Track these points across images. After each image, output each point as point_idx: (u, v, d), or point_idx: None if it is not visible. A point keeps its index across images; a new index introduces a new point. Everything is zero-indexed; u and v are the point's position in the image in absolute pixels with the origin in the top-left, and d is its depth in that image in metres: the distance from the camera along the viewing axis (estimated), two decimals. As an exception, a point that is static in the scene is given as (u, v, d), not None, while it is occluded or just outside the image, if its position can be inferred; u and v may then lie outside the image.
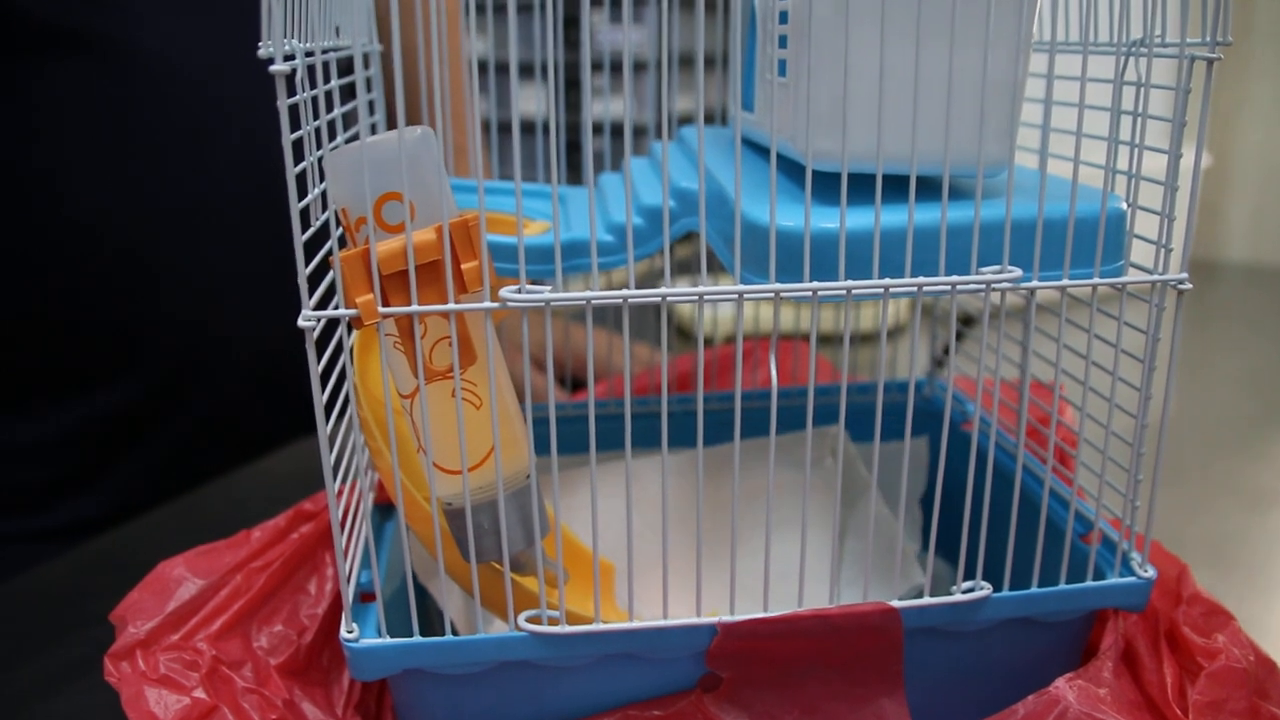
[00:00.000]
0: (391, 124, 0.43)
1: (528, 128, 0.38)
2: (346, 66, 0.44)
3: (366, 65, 0.55)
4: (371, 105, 0.56)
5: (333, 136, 0.41)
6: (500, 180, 0.59)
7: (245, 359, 0.85)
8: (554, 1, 0.34)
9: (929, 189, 0.40)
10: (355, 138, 0.54)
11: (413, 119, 0.36)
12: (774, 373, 0.37)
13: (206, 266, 0.82)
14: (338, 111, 0.40)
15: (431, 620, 0.52)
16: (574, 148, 0.58)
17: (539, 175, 0.65)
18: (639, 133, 0.64)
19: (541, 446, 0.53)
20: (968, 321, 0.77)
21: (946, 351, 0.70)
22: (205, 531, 0.52)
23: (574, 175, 0.63)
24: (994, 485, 0.43)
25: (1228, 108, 1.73)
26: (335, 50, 0.43)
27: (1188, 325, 1.30)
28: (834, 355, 0.98)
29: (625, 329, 0.36)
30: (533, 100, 0.43)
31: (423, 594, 0.52)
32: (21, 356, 0.80)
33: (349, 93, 0.46)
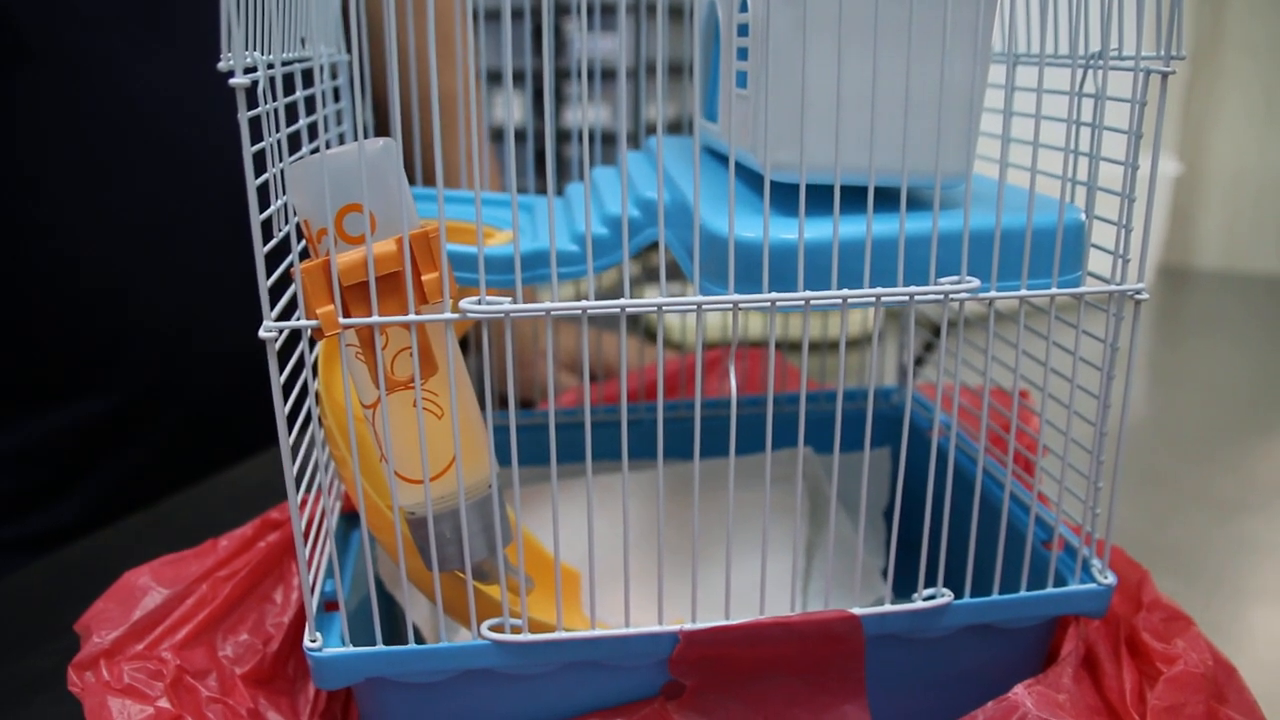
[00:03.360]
0: (382, 131, 0.43)
1: (515, 135, 0.38)
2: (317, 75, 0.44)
3: (334, 75, 0.55)
4: (340, 115, 0.56)
5: (298, 148, 0.41)
6: (472, 190, 0.59)
7: (215, 368, 0.85)
8: (535, 9, 0.35)
9: (891, 199, 0.40)
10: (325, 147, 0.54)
11: (386, 130, 0.36)
12: (733, 387, 0.37)
13: (176, 277, 0.82)
14: (303, 123, 0.40)
15: (399, 628, 0.52)
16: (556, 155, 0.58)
17: (530, 184, 0.65)
18: (608, 140, 0.64)
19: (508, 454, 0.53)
20: (938, 331, 0.77)
21: (918, 361, 0.70)
22: (175, 540, 0.52)
23: (558, 180, 0.63)
24: (957, 493, 0.43)
25: (1200, 116, 1.75)
26: (301, 61, 0.43)
27: (1160, 332, 1.32)
28: (808, 361, 0.98)
29: (583, 341, 0.36)
30: (513, 108, 0.43)
31: (390, 601, 0.52)
32: None
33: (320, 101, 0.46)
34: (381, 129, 0.95)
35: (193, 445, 0.85)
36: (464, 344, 0.98)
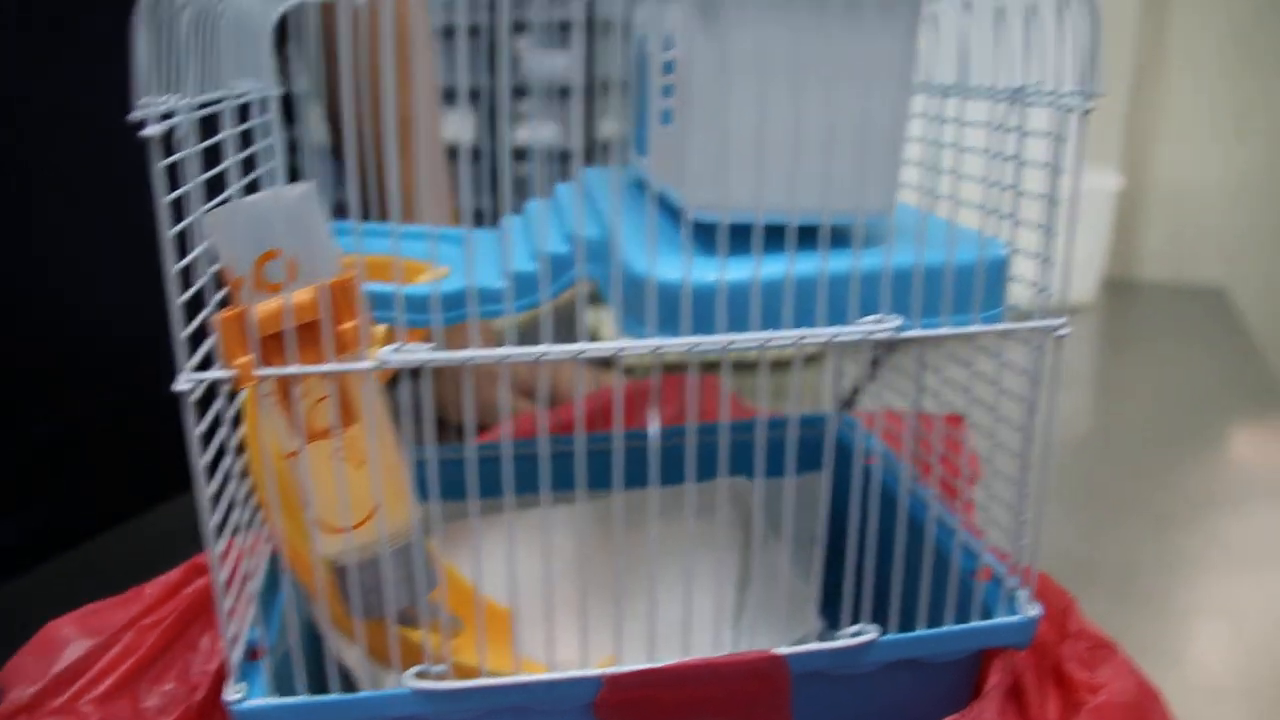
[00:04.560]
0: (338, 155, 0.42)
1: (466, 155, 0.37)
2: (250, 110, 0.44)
3: (264, 110, 0.54)
4: (273, 150, 0.55)
5: (223, 189, 0.40)
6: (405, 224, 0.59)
7: (147, 405, 0.84)
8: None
9: (817, 240, 0.40)
10: (255, 185, 0.53)
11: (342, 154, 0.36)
12: (655, 431, 0.37)
13: (105, 316, 0.80)
14: (228, 162, 0.40)
15: (341, 672, 0.51)
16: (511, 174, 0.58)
17: (485, 206, 0.65)
18: (563, 159, 0.64)
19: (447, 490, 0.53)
20: (890, 348, 0.78)
21: (856, 392, 0.71)
22: (107, 581, 0.51)
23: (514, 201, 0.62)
24: (888, 522, 0.44)
25: (1142, 131, 1.77)
26: (229, 99, 0.43)
27: (1104, 344, 1.33)
28: (741, 384, 0.98)
29: (503, 388, 0.36)
30: (460, 128, 0.42)
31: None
32: None
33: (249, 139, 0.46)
34: (339, 153, 0.95)
35: (119, 487, 0.84)
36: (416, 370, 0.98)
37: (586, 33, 0.38)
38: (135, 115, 0.34)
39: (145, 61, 0.33)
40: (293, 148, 0.59)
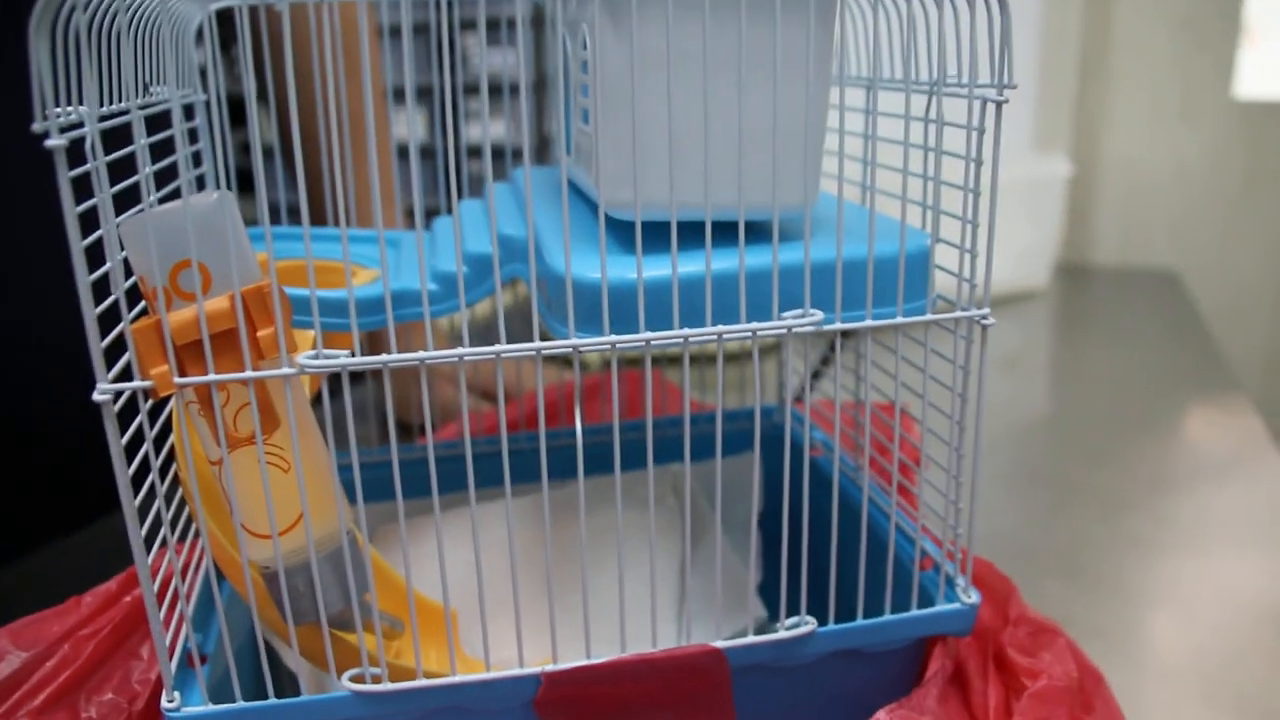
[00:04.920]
0: (288, 161, 0.42)
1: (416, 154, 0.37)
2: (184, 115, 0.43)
3: (190, 117, 0.54)
4: (198, 157, 0.55)
5: (139, 200, 0.40)
6: (328, 227, 0.59)
7: (83, 417, 0.83)
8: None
9: (736, 234, 0.40)
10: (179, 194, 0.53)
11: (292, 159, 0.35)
12: (579, 429, 0.37)
13: (41, 321, 0.79)
14: (146, 171, 0.39)
15: (282, 674, 0.51)
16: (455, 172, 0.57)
17: (441, 203, 0.64)
18: (512, 155, 0.64)
19: (384, 492, 0.53)
20: (834, 346, 0.78)
21: (804, 388, 0.71)
22: (46, 598, 0.51)
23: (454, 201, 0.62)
24: (823, 511, 0.44)
25: (1091, 116, 1.79)
26: (148, 106, 0.42)
27: (1057, 330, 1.34)
28: (702, 378, 0.99)
29: (424, 392, 0.36)
30: (417, 125, 0.42)
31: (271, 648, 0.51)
32: None
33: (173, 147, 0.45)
34: (288, 157, 0.94)
35: (54, 500, 0.83)
36: (358, 372, 0.98)
37: (533, 30, 0.38)
38: (38, 127, 0.33)
39: (44, 72, 0.33)
40: (245, 149, 0.59)
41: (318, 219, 0.71)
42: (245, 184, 0.54)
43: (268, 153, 0.56)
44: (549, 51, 0.59)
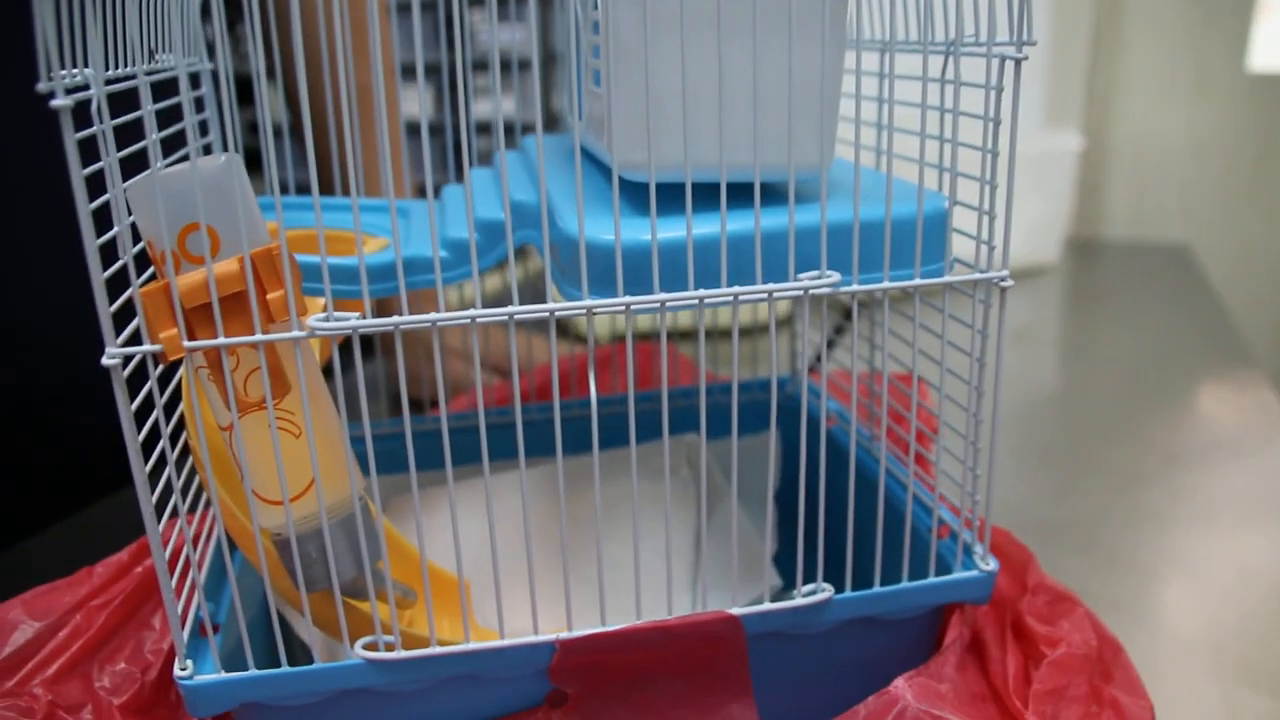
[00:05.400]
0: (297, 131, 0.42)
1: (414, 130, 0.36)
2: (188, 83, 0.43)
3: (196, 85, 0.53)
4: (205, 126, 0.55)
5: (147, 166, 0.39)
6: (337, 196, 0.58)
7: (95, 389, 0.83)
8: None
9: (752, 195, 0.40)
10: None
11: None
12: (593, 393, 0.37)
13: (55, 292, 0.79)
14: (153, 138, 0.39)
15: (294, 643, 0.51)
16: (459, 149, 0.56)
17: (451, 178, 0.64)
18: (523, 130, 0.63)
19: (394, 464, 0.52)
20: (849, 315, 0.77)
21: (818, 358, 0.70)
22: (60, 569, 0.50)
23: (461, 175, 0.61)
24: (841, 480, 0.43)
25: (1103, 90, 1.77)
26: (154, 73, 0.42)
27: (1069, 304, 1.33)
28: (696, 353, 0.99)
29: (436, 354, 0.36)
30: (425, 101, 0.42)
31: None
32: None
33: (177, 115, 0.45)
34: (297, 127, 0.93)
35: (74, 471, 0.83)
36: (368, 347, 0.97)
37: (539, 6, 0.37)
38: (43, 87, 0.33)
39: (49, 34, 0.32)
40: (252, 128, 0.58)
41: (326, 194, 0.70)
42: (253, 162, 0.54)
43: (276, 130, 0.56)
44: (556, 28, 0.59)
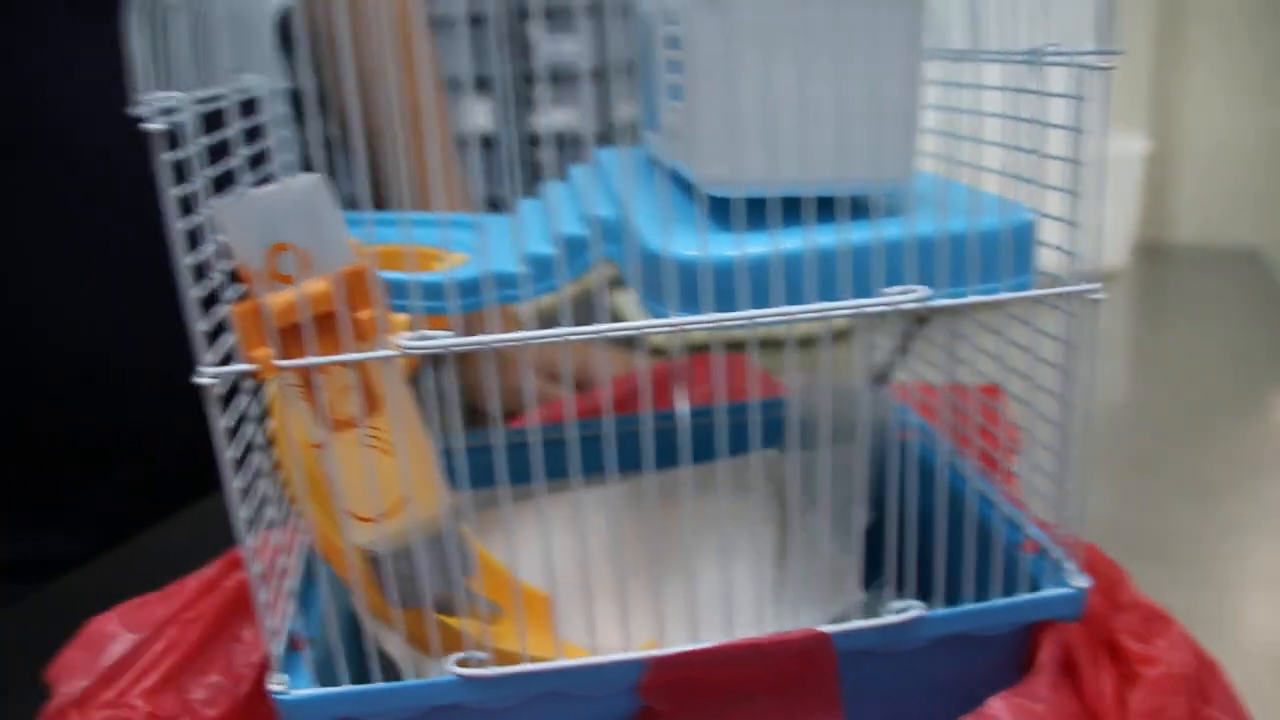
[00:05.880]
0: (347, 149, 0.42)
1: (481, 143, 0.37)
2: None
3: (273, 105, 0.54)
4: (286, 143, 0.55)
5: (233, 185, 0.40)
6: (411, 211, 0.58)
7: (184, 401, 0.84)
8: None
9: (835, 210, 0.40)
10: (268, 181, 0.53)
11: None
12: (683, 408, 0.37)
13: (143, 312, 0.81)
14: (240, 156, 0.39)
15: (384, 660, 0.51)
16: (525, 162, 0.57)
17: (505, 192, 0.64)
18: (577, 143, 0.63)
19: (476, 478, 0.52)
20: (922, 321, 0.77)
21: (889, 365, 0.70)
22: (149, 576, 0.51)
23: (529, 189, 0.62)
24: (927, 498, 0.43)
25: (1169, 91, 1.74)
26: (237, 93, 0.42)
27: (1138, 310, 1.31)
28: (770, 362, 0.98)
29: (528, 374, 0.36)
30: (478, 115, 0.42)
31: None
32: None
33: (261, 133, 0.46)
34: (347, 147, 0.94)
35: (166, 479, 0.84)
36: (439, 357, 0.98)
37: (593, 16, 0.37)
38: (135, 110, 0.34)
39: (141, 57, 0.33)
40: (302, 143, 0.59)
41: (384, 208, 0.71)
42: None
43: (338, 144, 0.56)
44: (610, 36, 0.58)
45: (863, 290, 0.40)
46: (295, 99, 0.56)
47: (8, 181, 0.76)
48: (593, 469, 0.44)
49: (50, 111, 0.76)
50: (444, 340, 0.36)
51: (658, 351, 1.12)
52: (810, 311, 0.38)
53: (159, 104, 0.34)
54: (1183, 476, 0.83)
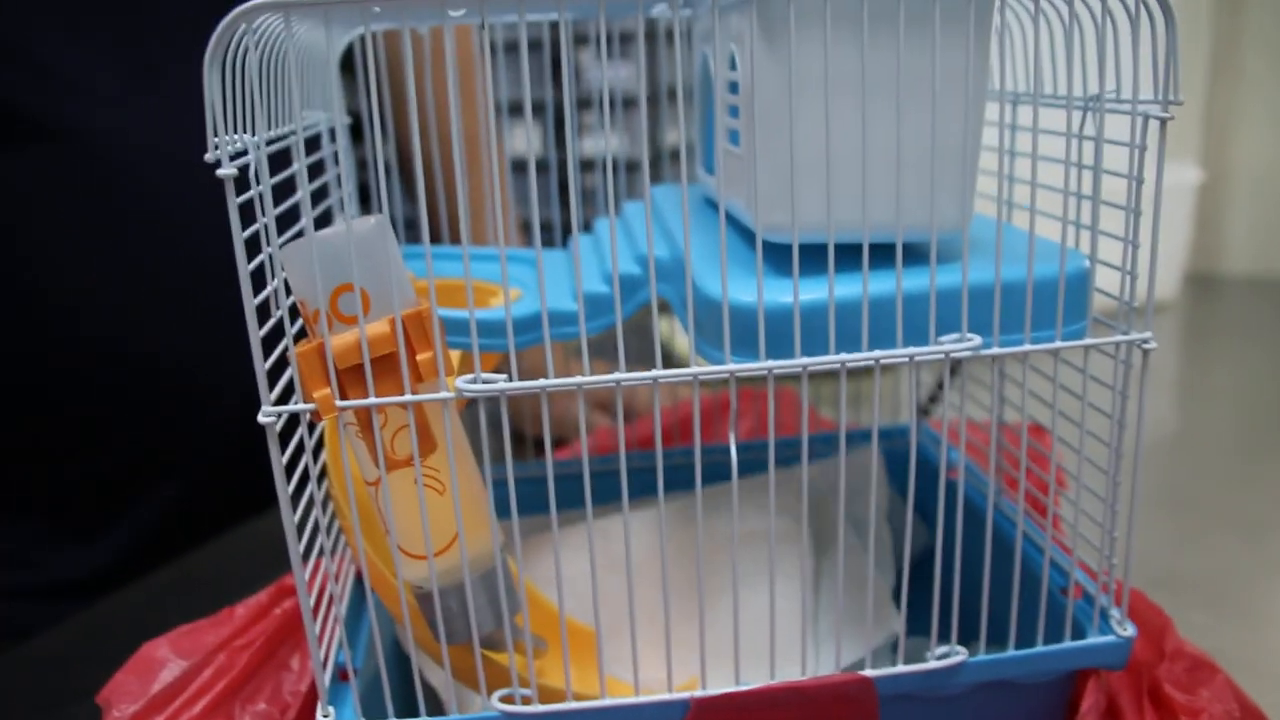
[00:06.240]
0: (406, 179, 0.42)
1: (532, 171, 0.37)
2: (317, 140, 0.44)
3: (333, 140, 0.55)
4: (340, 178, 0.56)
5: (296, 220, 0.41)
6: (474, 246, 0.59)
7: (235, 421, 0.86)
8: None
9: (892, 255, 0.40)
10: (326, 214, 0.54)
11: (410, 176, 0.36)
12: (734, 454, 0.37)
13: (197, 333, 0.82)
14: (302, 194, 0.40)
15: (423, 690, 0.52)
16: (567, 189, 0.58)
17: (555, 221, 0.65)
18: (629, 169, 0.64)
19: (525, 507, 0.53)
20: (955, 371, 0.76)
21: (933, 400, 0.70)
22: (197, 596, 0.52)
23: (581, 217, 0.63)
24: (973, 539, 0.43)
25: (1223, 120, 1.73)
26: (301, 131, 0.43)
27: (1187, 342, 1.29)
28: (816, 393, 0.98)
29: (580, 417, 0.36)
30: (531, 140, 0.43)
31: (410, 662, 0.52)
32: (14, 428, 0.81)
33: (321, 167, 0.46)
34: (406, 176, 0.96)
35: (213, 499, 0.86)
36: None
37: (647, 44, 0.38)
38: (210, 156, 0.34)
39: (216, 103, 0.34)
40: (361, 165, 0.60)
41: (433, 238, 0.72)
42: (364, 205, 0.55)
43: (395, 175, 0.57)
44: (662, 67, 0.59)
45: (917, 336, 0.40)
46: (355, 131, 0.57)
47: (75, 205, 0.77)
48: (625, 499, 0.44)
49: (114, 144, 0.78)
50: (500, 385, 0.36)
51: (705, 383, 1.12)
52: (864, 358, 0.38)
53: (230, 147, 0.35)
54: (1230, 514, 0.82)
